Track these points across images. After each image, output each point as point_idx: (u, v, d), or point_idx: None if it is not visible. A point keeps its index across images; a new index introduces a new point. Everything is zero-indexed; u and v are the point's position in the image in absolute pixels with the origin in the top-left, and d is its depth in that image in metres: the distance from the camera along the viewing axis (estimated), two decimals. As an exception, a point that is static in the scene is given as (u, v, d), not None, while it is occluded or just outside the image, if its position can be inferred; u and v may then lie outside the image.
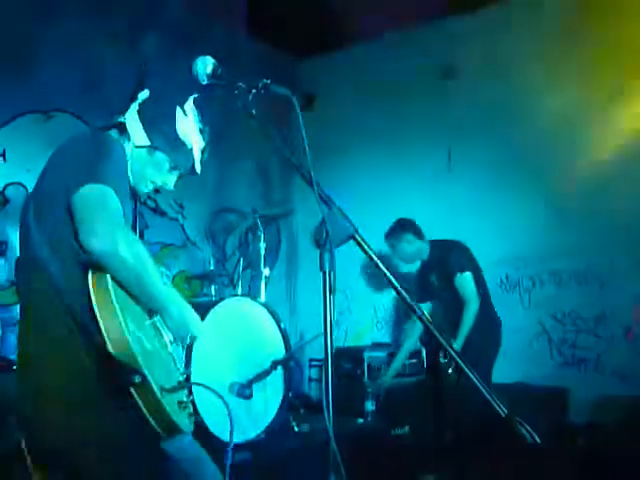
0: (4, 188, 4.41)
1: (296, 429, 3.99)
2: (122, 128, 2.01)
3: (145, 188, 2.08)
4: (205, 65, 1.66)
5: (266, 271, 4.33)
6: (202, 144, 2.09)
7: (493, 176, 5.52)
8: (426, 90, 5.93)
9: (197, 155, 2.08)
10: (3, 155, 4.41)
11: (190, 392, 1.91)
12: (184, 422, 1.75)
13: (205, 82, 1.68)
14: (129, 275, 1.66)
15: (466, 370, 1.42)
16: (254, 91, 1.60)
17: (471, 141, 5.67)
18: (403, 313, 6.13)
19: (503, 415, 1.33)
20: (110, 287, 1.61)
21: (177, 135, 2.01)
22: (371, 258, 1.42)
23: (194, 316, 2.00)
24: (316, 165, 1.60)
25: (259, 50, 6.21)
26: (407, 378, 5.24)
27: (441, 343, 1.47)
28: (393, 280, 1.48)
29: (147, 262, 1.71)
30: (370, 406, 4.72)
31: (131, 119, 2.00)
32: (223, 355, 3.68)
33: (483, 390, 1.36)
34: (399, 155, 6.10)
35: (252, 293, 4.53)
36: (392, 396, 5.05)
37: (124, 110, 2.03)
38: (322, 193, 1.48)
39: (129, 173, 1.98)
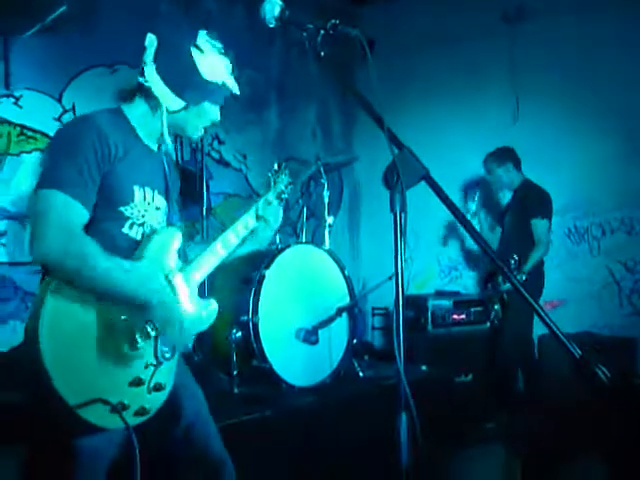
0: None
1: (361, 374, 4.04)
2: (148, 93, 2.01)
3: (195, 134, 2.14)
4: (273, 7, 1.64)
5: (329, 219, 4.33)
6: (229, 67, 2.07)
7: (563, 123, 5.34)
8: (492, 34, 5.71)
9: (230, 81, 2.06)
10: (73, 109, 4.52)
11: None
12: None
13: (272, 25, 1.66)
14: (72, 278, 1.74)
15: (540, 311, 1.40)
16: (322, 32, 1.58)
17: (539, 88, 5.47)
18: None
19: (577, 356, 1.31)
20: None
21: (204, 79, 1.99)
22: (443, 200, 1.41)
23: (149, 284, 1.92)
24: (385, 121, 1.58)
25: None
26: (471, 326, 5.23)
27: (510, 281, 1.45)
28: (465, 221, 1.46)
29: (88, 260, 1.75)
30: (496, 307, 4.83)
31: (155, 83, 1.98)
32: (289, 301, 3.73)
33: (557, 332, 1.34)
34: (462, 105, 5.95)
35: (316, 241, 4.55)
36: (456, 344, 5.06)
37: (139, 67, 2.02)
38: (393, 134, 1.46)
39: (168, 134, 2.04)
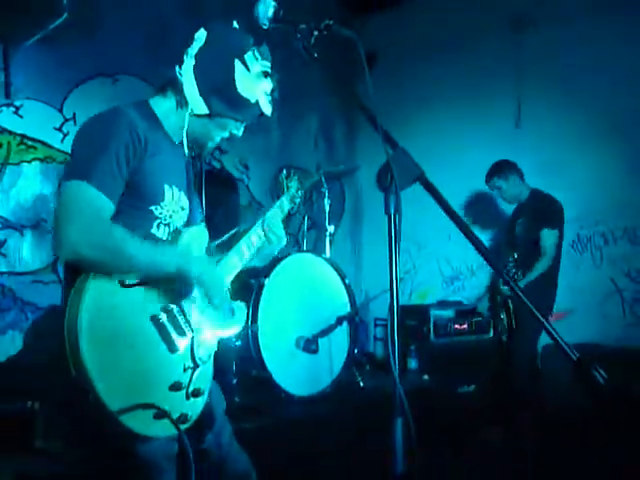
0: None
1: (362, 384, 4.01)
2: (178, 87, 1.94)
3: (213, 144, 2.07)
4: (267, 8, 1.63)
5: (331, 228, 4.32)
6: (269, 86, 1.99)
7: (565, 130, 5.32)
8: (497, 41, 5.72)
9: (264, 102, 1.98)
10: (74, 118, 4.52)
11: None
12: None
13: (266, 26, 1.64)
14: (110, 268, 1.69)
15: (537, 315, 1.38)
16: (316, 33, 1.56)
17: (542, 95, 5.46)
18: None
19: (574, 359, 1.29)
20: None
21: (239, 94, 1.91)
22: (438, 199, 1.38)
23: (189, 258, 1.88)
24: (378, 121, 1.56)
25: (319, 6, 6.11)
26: (473, 336, 5.19)
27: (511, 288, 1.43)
28: (462, 224, 1.44)
29: (123, 245, 1.70)
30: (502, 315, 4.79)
31: (188, 81, 1.91)
32: (289, 309, 3.72)
33: (556, 336, 1.32)
34: (464, 111, 5.95)
35: (317, 251, 4.54)
36: (458, 354, 5.03)
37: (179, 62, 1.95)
38: (387, 134, 1.44)
39: (187, 138, 1.98)
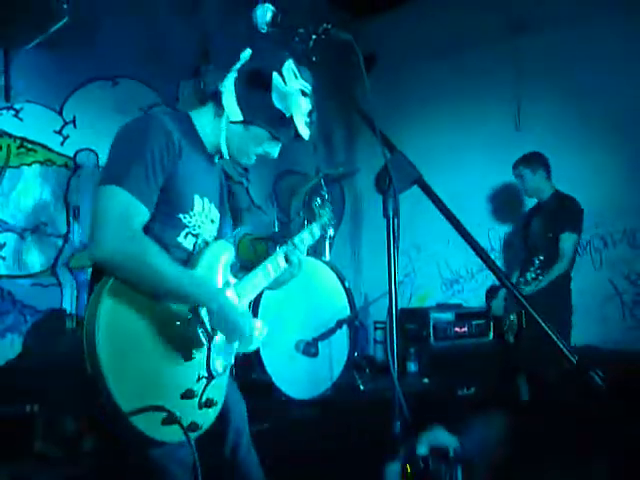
0: (75, 154, 4.53)
1: (362, 387, 4.01)
2: (219, 99, 1.95)
3: (248, 160, 2.05)
4: (265, 12, 1.63)
5: (330, 231, 4.31)
6: (307, 107, 1.97)
7: (564, 132, 5.32)
8: (495, 43, 5.71)
9: (299, 120, 1.96)
10: (74, 122, 4.53)
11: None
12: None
13: (265, 30, 1.65)
14: (130, 277, 1.70)
15: (538, 319, 1.38)
16: (314, 37, 1.57)
17: (542, 97, 5.47)
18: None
19: (574, 361, 1.29)
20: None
21: (272, 104, 1.91)
22: (436, 202, 1.39)
23: (206, 288, 1.88)
24: (376, 124, 1.56)
25: (317, 9, 6.12)
26: (473, 339, 5.19)
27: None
28: (460, 227, 1.44)
29: (147, 259, 1.71)
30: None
31: (227, 91, 1.94)
32: (289, 313, 3.72)
33: (553, 336, 1.32)
34: (463, 113, 5.95)
35: (316, 254, 4.54)
36: (458, 357, 5.02)
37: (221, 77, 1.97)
38: (385, 137, 1.44)
39: (226, 148, 1.98)
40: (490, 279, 5.72)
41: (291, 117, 1.93)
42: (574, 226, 4.56)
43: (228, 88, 1.94)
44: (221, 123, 1.96)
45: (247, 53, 1.95)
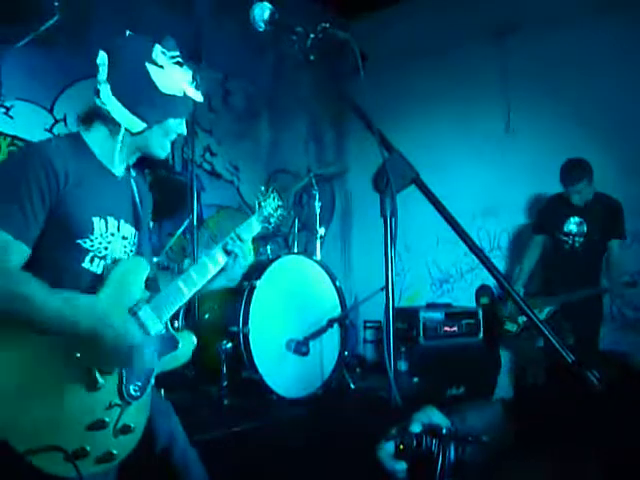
0: (66, 151, 4.50)
1: (352, 386, 4.02)
2: (104, 115, 1.89)
3: (163, 152, 2.01)
4: (262, 11, 1.63)
5: (321, 230, 4.33)
6: (188, 74, 1.96)
7: (554, 133, 5.34)
8: (483, 45, 5.75)
9: (189, 90, 1.95)
10: (64, 120, 4.50)
11: None
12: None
13: (262, 29, 1.65)
14: (6, 315, 1.62)
15: (533, 317, 1.39)
16: (312, 36, 1.57)
17: (531, 98, 5.49)
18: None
19: (570, 361, 1.30)
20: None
21: (164, 94, 1.89)
22: (433, 203, 1.39)
23: (98, 314, 1.74)
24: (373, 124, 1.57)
25: (309, 10, 6.11)
26: (463, 338, 5.21)
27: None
28: (457, 227, 1.45)
29: (18, 290, 1.62)
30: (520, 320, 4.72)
31: (113, 105, 1.87)
32: (280, 312, 3.72)
33: (549, 336, 1.33)
34: (454, 115, 5.97)
35: (307, 253, 4.54)
36: (448, 356, 5.04)
37: (92, 91, 1.91)
38: (383, 137, 1.45)
39: (128, 160, 1.97)
40: (480, 278, 5.74)
41: (183, 93, 1.94)
42: (623, 230, 4.50)
43: (111, 103, 1.88)
44: (120, 138, 1.91)
45: (103, 58, 1.90)
